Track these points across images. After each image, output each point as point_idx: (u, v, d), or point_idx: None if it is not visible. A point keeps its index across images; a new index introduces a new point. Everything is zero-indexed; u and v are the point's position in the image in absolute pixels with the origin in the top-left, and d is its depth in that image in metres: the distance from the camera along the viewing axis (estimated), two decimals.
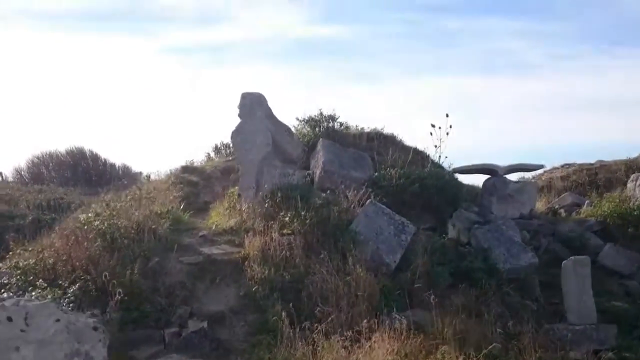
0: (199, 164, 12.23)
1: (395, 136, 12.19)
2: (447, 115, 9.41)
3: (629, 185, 10.50)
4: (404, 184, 8.09)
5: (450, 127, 9.38)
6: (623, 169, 14.40)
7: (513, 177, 13.18)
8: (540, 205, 11.53)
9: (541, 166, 9.61)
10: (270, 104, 8.05)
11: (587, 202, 10.43)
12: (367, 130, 11.98)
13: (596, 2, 44.48)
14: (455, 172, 10.26)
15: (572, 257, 6.37)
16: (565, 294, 6.22)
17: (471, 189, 10.80)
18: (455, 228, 8.15)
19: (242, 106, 7.79)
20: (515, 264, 7.21)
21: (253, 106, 7.77)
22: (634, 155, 15.71)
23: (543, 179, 15.04)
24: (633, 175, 10.61)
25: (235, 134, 7.86)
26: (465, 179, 11.51)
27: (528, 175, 15.91)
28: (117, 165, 19.07)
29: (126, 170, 18.64)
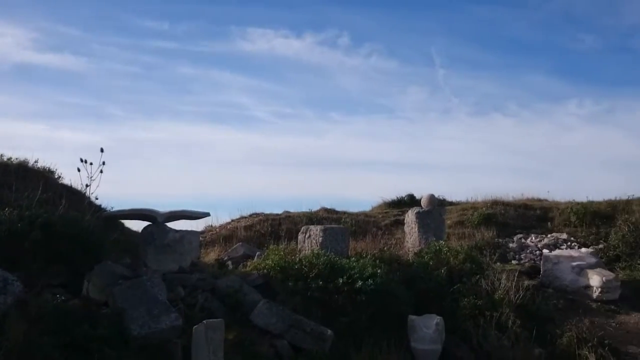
0: None
1: (51, 171, 10.72)
2: (101, 150, 8.53)
3: (300, 237, 11.01)
4: (25, 229, 6.73)
5: (104, 163, 8.51)
6: (305, 220, 15.49)
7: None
8: (213, 256, 11.32)
9: (207, 214, 9.31)
10: None
11: (257, 253, 10.53)
12: (13, 161, 10.27)
13: (317, 74, 51.41)
14: (114, 218, 9.34)
15: (205, 321, 5.95)
16: None
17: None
18: (91, 285, 7.08)
19: None
20: (155, 328, 6.45)
21: None
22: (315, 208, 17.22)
23: (228, 227, 15.15)
24: (304, 227, 11.19)
25: None
26: (134, 225, 10.68)
27: (215, 223, 15.96)
28: None
29: None
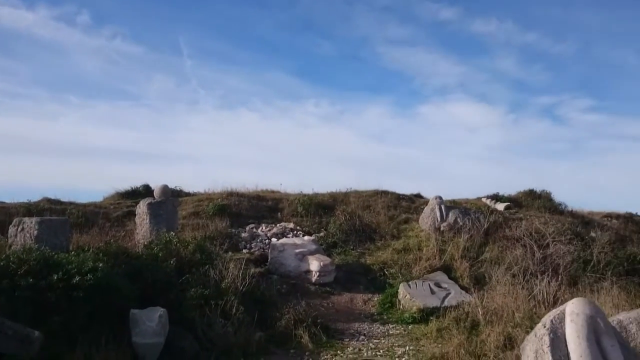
0: None
1: None
2: None
3: (11, 230, 9.94)
4: None
5: None
6: (22, 212, 14.02)
7: None
8: None
9: None
10: None
11: None
12: None
13: (52, 51, 46.76)
14: None
15: None
16: None
17: None
18: None
19: None
20: None
21: None
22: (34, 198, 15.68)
23: None
24: (16, 219, 10.11)
25: None
26: None
27: None
28: None
29: None
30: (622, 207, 23.01)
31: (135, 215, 13.47)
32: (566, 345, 5.33)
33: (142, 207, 12.64)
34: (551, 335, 5.40)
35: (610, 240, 15.12)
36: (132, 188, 18.30)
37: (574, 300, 5.73)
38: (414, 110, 58.06)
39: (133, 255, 10.23)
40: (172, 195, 14.03)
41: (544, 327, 5.51)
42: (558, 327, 5.50)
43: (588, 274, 12.62)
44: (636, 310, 8.33)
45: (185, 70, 52.20)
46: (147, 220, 12.34)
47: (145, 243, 11.44)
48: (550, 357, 5.23)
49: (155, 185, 13.78)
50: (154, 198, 12.89)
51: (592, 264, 13.02)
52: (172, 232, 11.31)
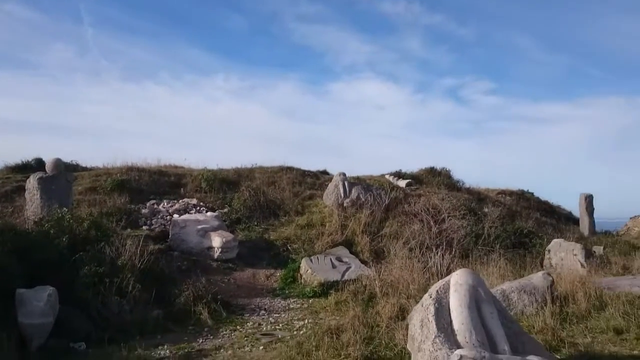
0: None
1: None
2: None
3: None
4: None
5: None
6: None
7: None
8: None
9: None
10: None
11: None
12: None
13: None
14: None
15: None
16: None
17: None
18: None
19: None
20: None
21: None
22: None
23: None
24: None
25: None
26: None
27: None
28: None
29: None
30: (516, 185, 24.61)
31: (25, 190, 12.75)
32: (450, 314, 5.67)
33: (32, 182, 11.99)
34: (436, 304, 5.72)
35: (501, 216, 16.15)
36: (22, 162, 17.29)
37: (458, 271, 6.09)
38: (324, 88, 58.93)
39: (21, 233, 9.72)
40: (67, 170, 13.42)
41: (430, 297, 5.82)
42: (443, 297, 5.83)
43: (479, 247, 13.42)
44: (518, 280, 9.02)
45: (87, 39, 49.64)
46: (38, 195, 11.73)
47: (36, 220, 10.89)
48: (435, 325, 5.54)
49: (48, 159, 13.08)
50: (46, 172, 12.25)
51: (483, 237, 13.86)
52: (65, 209, 10.82)
